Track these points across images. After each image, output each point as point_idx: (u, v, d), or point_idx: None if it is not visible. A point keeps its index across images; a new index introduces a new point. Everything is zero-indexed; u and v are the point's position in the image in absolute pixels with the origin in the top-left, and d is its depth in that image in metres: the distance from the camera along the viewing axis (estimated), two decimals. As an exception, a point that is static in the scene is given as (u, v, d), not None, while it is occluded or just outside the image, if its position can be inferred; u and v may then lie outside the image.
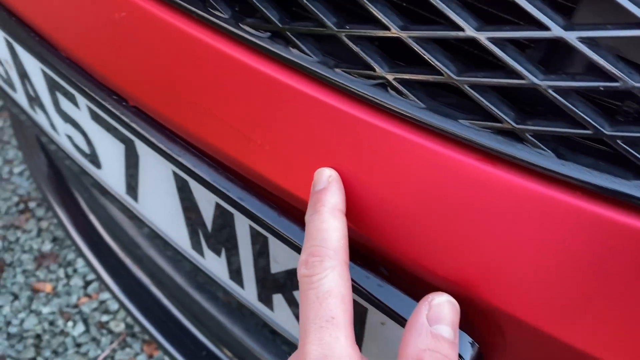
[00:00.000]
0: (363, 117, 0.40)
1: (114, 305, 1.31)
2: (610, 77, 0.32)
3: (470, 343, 0.39)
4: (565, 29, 0.33)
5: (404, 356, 0.34)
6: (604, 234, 0.33)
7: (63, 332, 1.27)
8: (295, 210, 0.45)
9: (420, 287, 0.41)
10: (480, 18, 0.36)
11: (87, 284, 1.36)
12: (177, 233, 0.60)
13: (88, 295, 1.34)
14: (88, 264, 1.16)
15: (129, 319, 1.28)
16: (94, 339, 1.26)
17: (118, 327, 1.28)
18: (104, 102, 0.54)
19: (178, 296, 1.06)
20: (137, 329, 1.26)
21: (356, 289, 0.41)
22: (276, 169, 0.44)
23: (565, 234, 0.34)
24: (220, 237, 0.54)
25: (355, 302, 0.39)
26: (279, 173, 0.44)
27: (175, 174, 0.53)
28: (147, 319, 1.10)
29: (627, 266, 0.33)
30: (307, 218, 0.39)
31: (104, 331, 1.27)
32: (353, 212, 0.41)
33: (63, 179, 1.26)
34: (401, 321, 0.40)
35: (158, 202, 0.60)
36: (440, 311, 0.35)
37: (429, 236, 0.39)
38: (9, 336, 1.26)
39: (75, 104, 0.60)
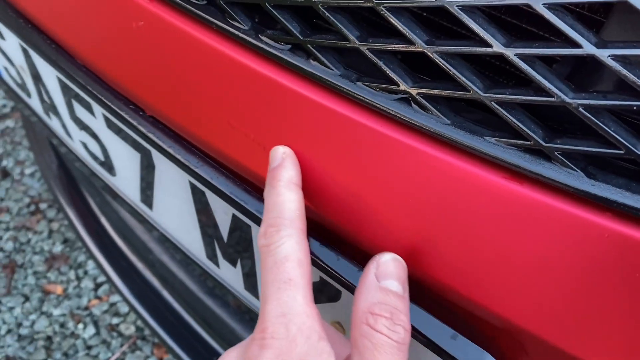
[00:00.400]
0: (385, 132, 0.39)
1: (124, 308, 1.31)
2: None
3: (494, 363, 0.39)
4: (597, 46, 0.32)
5: (356, 312, 0.36)
6: (635, 256, 0.33)
7: (74, 334, 1.27)
8: (313, 224, 0.44)
9: (452, 311, 0.40)
10: (504, 31, 0.35)
11: (98, 286, 1.36)
12: (192, 242, 0.60)
13: (98, 298, 1.34)
14: (98, 265, 1.16)
15: (139, 322, 1.28)
16: (104, 342, 1.26)
17: (128, 329, 1.28)
18: (120, 111, 0.53)
19: (188, 300, 1.06)
20: (147, 332, 1.26)
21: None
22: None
23: (595, 256, 0.34)
24: (236, 248, 0.53)
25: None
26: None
27: (192, 184, 0.52)
28: (157, 322, 1.10)
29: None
30: (264, 194, 0.41)
31: (115, 334, 1.27)
32: (379, 228, 0.40)
33: (74, 181, 1.27)
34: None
35: (173, 212, 0.59)
36: (387, 268, 0.37)
37: (455, 255, 0.38)
38: (20, 338, 1.26)
39: (91, 112, 0.60)
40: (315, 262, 0.44)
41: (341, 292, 0.45)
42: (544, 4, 0.33)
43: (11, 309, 1.31)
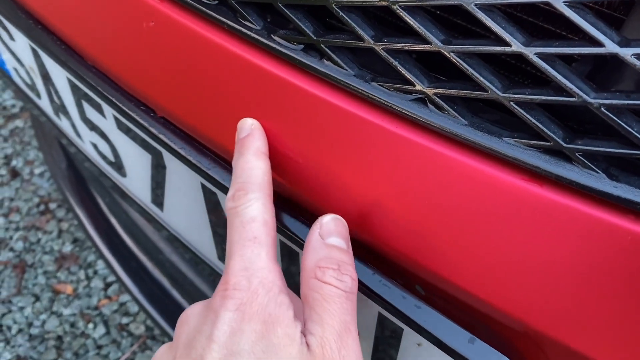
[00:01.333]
0: (401, 133, 0.39)
1: (134, 308, 1.31)
2: (669, 96, 0.30)
3: (511, 367, 0.38)
4: (620, 45, 0.31)
5: (305, 269, 0.38)
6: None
7: (84, 334, 1.27)
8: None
9: (462, 309, 0.40)
10: (524, 30, 0.34)
11: (108, 285, 1.36)
12: (203, 243, 0.60)
13: (108, 297, 1.34)
14: (108, 265, 1.16)
15: (149, 322, 1.28)
16: (114, 341, 1.26)
17: (138, 329, 1.28)
18: (131, 113, 0.53)
19: (198, 299, 1.06)
20: (157, 331, 1.26)
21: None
22: (308, 183, 0.43)
23: (617, 259, 0.33)
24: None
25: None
26: (313, 188, 0.43)
27: (203, 185, 0.52)
28: (166, 321, 1.10)
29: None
30: (233, 163, 0.43)
31: (125, 333, 1.27)
32: (391, 223, 0.40)
33: (83, 181, 1.27)
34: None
35: (184, 212, 0.59)
36: (329, 226, 0.39)
37: (474, 257, 0.37)
38: (31, 337, 1.27)
39: (102, 113, 0.60)
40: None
41: (358, 296, 0.44)
42: (564, 2, 0.32)
43: (22, 308, 1.32)
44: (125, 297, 1.33)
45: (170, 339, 1.07)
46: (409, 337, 0.42)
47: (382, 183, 0.40)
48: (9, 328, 1.28)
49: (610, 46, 0.31)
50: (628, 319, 0.34)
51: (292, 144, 0.43)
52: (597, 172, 0.33)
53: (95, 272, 1.39)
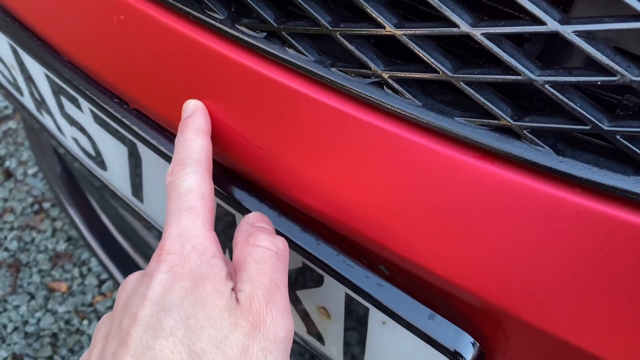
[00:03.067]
0: (359, 116, 0.40)
1: (127, 304, 1.32)
2: (608, 71, 0.31)
3: (472, 343, 0.39)
4: (562, 22, 0.32)
5: (238, 242, 0.40)
6: (604, 231, 0.33)
7: (79, 331, 1.29)
8: (292, 211, 0.45)
9: (423, 287, 0.41)
10: (476, 13, 0.35)
11: (102, 282, 1.37)
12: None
13: (102, 294, 1.35)
14: (101, 263, 1.17)
15: (142, 317, 1.29)
16: (108, 337, 1.27)
17: (132, 325, 1.29)
18: (105, 106, 0.54)
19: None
20: (150, 326, 1.27)
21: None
22: (273, 168, 0.44)
23: (565, 231, 0.34)
24: (226, 236, 0.54)
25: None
26: (276, 173, 0.44)
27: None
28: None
29: (626, 262, 0.32)
30: (175, 141, 0.44)
31: (119, 329, 1.28)
32: (350, 204, 0.41)
33: (75, 180, 1.28)
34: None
35: (162, 204, 0.60)
36: (256, 216, 0.43)
37: (430, 235, 0.38)
38: (26, 335, 1.28)
39: (79, 107, 0.61)
40: (297, 248, 0.44)
41: (324, 277, 0.45)
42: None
43: (17, 307, 1.33)
44: (119, 294, 1.34)
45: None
46: (375, 315, 0.43)
47: (343, 166, 0.41)
48: (5, 326, 1.29)
49: (552, 24, 0.32)
50: (579, 290, 0.34)
51: (257, 129, 0.44)
52: (544, 148, 0.34)
53: (89, 270, 1.40)
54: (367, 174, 0.40)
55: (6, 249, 1.44)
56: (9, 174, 1.62)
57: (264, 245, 0.39)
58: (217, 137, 0.47)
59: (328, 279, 0.45)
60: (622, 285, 0.33)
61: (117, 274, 1.16)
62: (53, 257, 1.43)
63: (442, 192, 0.37)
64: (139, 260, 1.14)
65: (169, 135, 0.51)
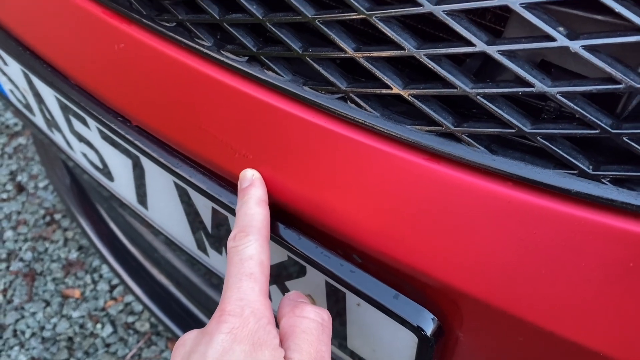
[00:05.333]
0: (328, 127, 0.46)
1: (138, 307, 1.39)
2: (527, 83, 0.37)
3: (432, 319, 0.45)
4: (488, 44, 0.38)
5: (284, 315, 0.43)
6: (532, 217, 0.39)
7: (93, 334, 1.36)
8: (278, 211, 0.51)
9: (391, 272, 0.47)
10: (420, 38, 0.41)
11: (113, 287, 1.44)
12: (184, 236, 0.67)
13: (114, 299, 1.42)
14: (112, 269, 1.24)
15: (153, 319, 1.36)
16: (121, 339, 1.34)
17: (143, 326, 1.36)
18: (110, 124, 0.60)
19: (195, 295, 1.13)
20: (161, 327, 1.34)
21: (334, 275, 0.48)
22: (263, 174, 0.51)
23: (501, 218, 0.40)
24: (219, 237, 0.60)
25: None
26: (263, 178, 0.50)
27: (175, 184, 0.59)
28: (167, 317, 1.17)
29: (551, 241, 0.38)
30: (237, 209, 0.48)
31: (131, 331, 1.35)
32: (324, 203, 0.47)
33: (84, 191, 1.35)
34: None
35: (165, 210, 0.66)
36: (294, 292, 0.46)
37: (392, 227, 0.45)
38: (44, 340, 1.35)
39: (86, 125, 0.67)
40: (282, 242, 0.50)
41: (306, 267, 0.52)
42: (444, 11, 0.39)
43: (34, 314, 1.40)
44: (129, 298, 1.41)
45: (173, 333, 1.14)
46: (350, 299, 0.49)
47: (316, 170, 0.47)
48: (23, 332, 1.36)
49: (480, 45, 0.38)
50: (516, 268, 0.41)
51: (243, 140, 0.51)
52: (480, 148, 0.40)
53: (101, 276, 1.47)
54: (338, 176, 0.46)
55: (21, 260, 1.51)
56: (21, 188, 1.69)
57: (310, 316, 0.42)
58: (208, 144, 0.53)
59: (310, 269, 0.51)
60: (551, 260, 0.39)
61: (127, 279, 1.23)
62: (66, 265, 1.50)
63: (400, 189, 0.43)
64: (147, 264, 1.21)
65: (168, 148, 0.57)
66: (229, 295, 0.41)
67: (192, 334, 0.42)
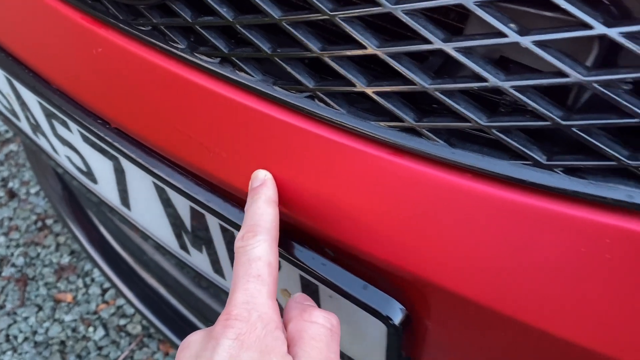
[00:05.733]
0: (298, 124, 0.47)
1: (130, 310, 1.40)
2: (482, 78, 0.39)
3: (400, 309, 0.46)
4: (444, 41, 0.40)
5: (290, 319, 0.41)
6: (490, 206, 0.40)
7: (85, 337, 1.36)
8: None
9: (362, 265, 0.48)
10: (383, 36, 0.43)
11: (105, 291, 1.45)
12: (166, 235, 0.68)
13: (106, 302, 1.43)
14: (103, 273, 1.25)
15: (145, 322, 1.37)
16: (113, 342, 1.35)
17: (135, 329, 1.37)
18: (90, 126, 0.62)
19: (186, 297, 1.14)
20: (152, 330, 1.35)
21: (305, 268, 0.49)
22: (233, 172, 0.52)
23: (461, 208, 0.41)
24: (199, 235, 0.62)
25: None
26: (235, 176, 0.52)
27: (154, 184, 0.61)
28: (159, 319, 1.18)
29: (510, 231, 0.40)
30: (246, 208, 0.47)
31: (123, 334, 1.36)
32: (295, 197, 0.49)
33: (74, 197, 1.36)
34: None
35: (147, 210, 0.68)
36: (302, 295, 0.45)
37: (360, 220, 0.46)
38: (36, 344, 1.36)
39: (68, 129, 0.69)
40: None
41: (280, 262, 0.53)
42: (402, 11, 0.40)
43: (26, 318, 1.41)
44: (121, 301, 1.42)
45: (164, 336, 1.15)
46: (323, 291, 0.51)
47: (288, 166, 0.49)
48: (15, 337, 1.37)
49: (437, 43, 0.40)
50: (479, 255, 0.42)
51: (218, 139, 0.52)
52: (440, 142, 0.42)
53: (93, 280, 1.48)
54: (308, 172, 0.48)
55: (13, 265, 1.52)
56: (12, 194, 1.70)
57: (319, 321, 0.40)
58: (184, 145, 0.55)
59: (284, 264, 0.53)
60: (511, 248, 0.41)
61: (118, 283, 1.24)
62: (58, 270, 1.51)
63: (367, 183, 0.45)
64: (137, 268, 1.22)
65: (146, 149, 0.59)
66: (235, 297, 0.40)
67: (197, 335, 0.40)
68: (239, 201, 0.54)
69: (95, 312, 1.41)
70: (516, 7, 0.40)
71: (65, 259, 1.53)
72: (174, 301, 1.18)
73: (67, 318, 1.40)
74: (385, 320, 0.46)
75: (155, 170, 0.57)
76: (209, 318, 1.10)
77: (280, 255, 0.51)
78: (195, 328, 1.13)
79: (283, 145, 0.49)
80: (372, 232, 0.46)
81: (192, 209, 0.58)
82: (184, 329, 1.17)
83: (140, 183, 0.63)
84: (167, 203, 0.62)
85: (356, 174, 0.45)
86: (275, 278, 0.43)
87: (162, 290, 1.21)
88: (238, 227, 0.54)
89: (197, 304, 1.12)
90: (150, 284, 1.22)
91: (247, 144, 0.50)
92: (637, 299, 0.37)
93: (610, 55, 0.40)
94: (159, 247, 0.73)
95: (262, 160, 0.50)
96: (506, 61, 0.45)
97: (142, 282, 1.23)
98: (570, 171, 0.38)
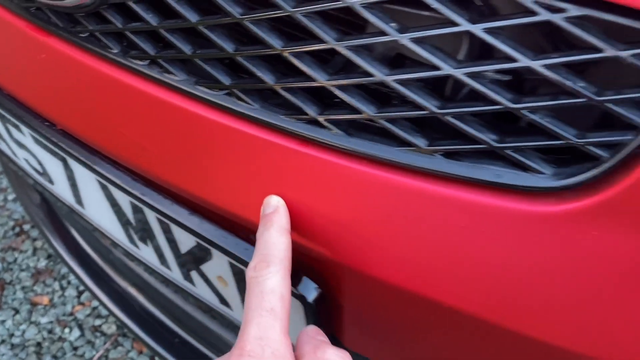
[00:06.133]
0: (217, 119, 0.51)
1: (105, 310, 1.43)
2: (369, 73, 0.43)
3: (315, 288, 0.50)
4: (336, 40, 0.44)
5: (304, 354, 0.41)
6: (387, 191, 0.44)
7: (61, 339, 1.39)
8: (184, 200, 0.56)
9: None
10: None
11: (80, 293, 1.48)
12: (117, 231, 0.72)
13: (82, 304, 1.46)
14: (75, 275, 1.28)
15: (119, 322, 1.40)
16: (89, 342, 1.38)
17: (110, 329, 1.40)
18: (38, 129, 0.65)
19: (155, 297, 1.18)
20: (125, 329, 1.38)
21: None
22: (164, 167, 0.56)
23: (362, 194, 0.45)
24: (142, 229, 0.65)
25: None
26: (166, 170, 0.56)
27: (98, 181, 0.64)
28: (131, 320, 1.21)
29: (403, 211, 0.44)
30: (258, 234, 0.47)
31: (98, 334, 1.40)
32: (217, 188, 0.52)
33: (48, 204, 1.39)
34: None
35: (97, 207, 0.71)
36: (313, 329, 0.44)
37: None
38: (13, 346, 1.39)
39: (21, 132, 0.72)
40: (186, 227, 0.56)
41: (211, 250, 0.57)
42: (300, 13, 0.44)
43: (3, 321, 1.44)
44: (97, 302, 1.45)
45: (137, 336, 1.18)
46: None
47: (214, 159, 0.52)
48: (-7, 340, 1.40)
49: (331, 42, 0.44)
50: (383, 235, 0.46)
51: (147, 134, 0.56)
52: (339, 132, 0.46)
53: (69, 283, 1.51)
54: (229, 163, 0.52)
55: (-9, 270, 1.55)
56: (-10, 201, 1.73)
57: (331, 359, 0.40)
58: (122, 143, 0.58)
59: (214, 251, 0.56)
60: (405, 226, 0.45)
61: (89, 282, 1.27)
62: (35, 274, 1.54)
63: (279, 172, 0.49)
64: (106, 267, 1.25)
65: (89, 148, 0.63)
66: (248, 332, 0.40)
67: None
68: (166, 191, 0.58)
69: (71, 314, 1.44)
70: (399, 8, 0.44)
71: (42, 263, 1.56)
72: (143, 300, 1.21)
73: (44, 320, 1.43)
74: (301, 298, 0.50)
75: (97, 168, 0.61)
76: (176, 314, 1.13)
77: (210, 243, 0.54)
78: (162, 324, 1.16)
79: (206, 139, 0.52)
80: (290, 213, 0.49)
81: (132, 203, 0.62)
82: (156, 329, 1.20)
83: (87, 181, 0.67)
84: (111, 199, 0.65)
85: (269, 164, 0.49)
86: (288, 311, 0.42)
87: (133, 292, 1.24)
88: (174, 221, 0.57)
89: (169, 305, 1.15)
90: (120, 284, 1.25)
91: (173, 138, 0.54)
92: (506, 262, 0.41)
93: (487, 50, 0.44)
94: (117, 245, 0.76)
95: (190, 154, 0.54)
96: (404, 58, 0.49)
97: (114, 283, 1.26)
98: (449, 155, 0.42)
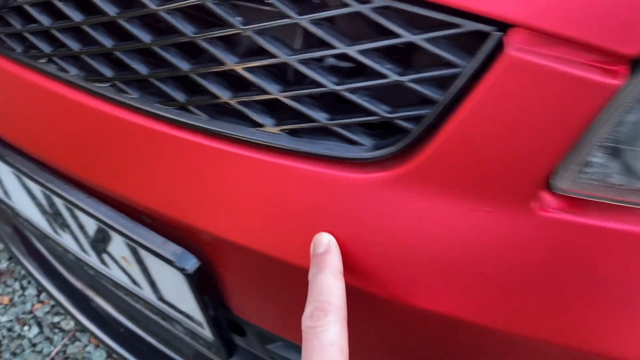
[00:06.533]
0: (107, 111, 0.56)
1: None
2: (220, 62, 0.48)
3: (194, 260, 0.55)
4: (193, 33, 0.49)
5: None
6: (247, 166, 0.49)
7: (20, 336, 1.43)
8: (80, 184, 0.61)
9: (166, 225, 0.57)
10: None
11: (40, 292, 1.52)
12: (41, 221, 0.77)
13: (41, 302, 1.50)
14: (29, 273, 1.32)
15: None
16: (47, 338, 1.42)
17: (68, 325, 1.44)
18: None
19: (108, 295, 1.21)
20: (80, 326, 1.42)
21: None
22: (64, 155, 0.61)
23: (224, 170, 0.50)
24: (57, 217, 0.70)
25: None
26: (72, 161, 0.60)
27: (14, 174, 0.69)
28: (87, 318, 1.25)
29: (262, 183, 0.49)
30: (310, 276, 0.44)
31: (56, 330, 1.44)
32: (117, 174, 0.57)
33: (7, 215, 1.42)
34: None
35: (21, 198, 0.76)
36: None
37: (155, 184, 0.55)
38: (-27, 345, 1.42)
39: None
40: (89, 213, 0.60)
41: (108, 232, 0.61)
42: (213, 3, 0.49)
43: (-36, 322, 1.47)
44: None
45: (93, 334, 1.21)
46: (143, 256, 0.59)
47: (120, 148, 0.57)
48: (-47, 340, 1.43)
49: (189, 34, 0.49)
50: (249, 209, 0.51)
51: (63, 132, 0.61)
52: (203, 115, 0.50)
53: (30, 282, 1.55)
54: (131, 153, 0.56)
55: (-47, 273, 1.59)
56: (-46, 206, 1.76)
57: None
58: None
59: (112, 233, 0.61)
60: (265, 198, 0.49)
61: (43, 280, 1.31)
62: (-4, 275, 1.58)
63: (166, 155, 0.53)
64: (58, 266, 1.29)
65: (39, 163, 0.66)
66: None
67: None
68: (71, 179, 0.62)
69: (30, 312, 1.48)
70: (245, 4, 0.49)
71: (4, 264, 1.60)
72: (98, 299, 1.25)
73: (3, 319, 1.47)
74: (181, 270, 0.55)
75: (9, 159, 0.65)
76: (124, 309, 1.16)
77: (106, 224, 0.59)
78: (112, 317, 1.20)
79: (114, 137, 0.57)
80: (162, 193, 0.54)
81: (45, 195, 0.67)
82: (111, 327, 1.22)
83: (7, 175, 0.72)
84: (27, 189, 0.70)
85: (151, 147, 0.54)
86: None
87: (88, 291, 1.28)
88: (75, 205, 0.62)
89: (118, 301, 1.19)
90: (73, 283, 1.28)
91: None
92: (340, 223, 0.46)
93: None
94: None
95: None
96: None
97: (65, 280, 1.30)
98: (293, 133, 0.47)
